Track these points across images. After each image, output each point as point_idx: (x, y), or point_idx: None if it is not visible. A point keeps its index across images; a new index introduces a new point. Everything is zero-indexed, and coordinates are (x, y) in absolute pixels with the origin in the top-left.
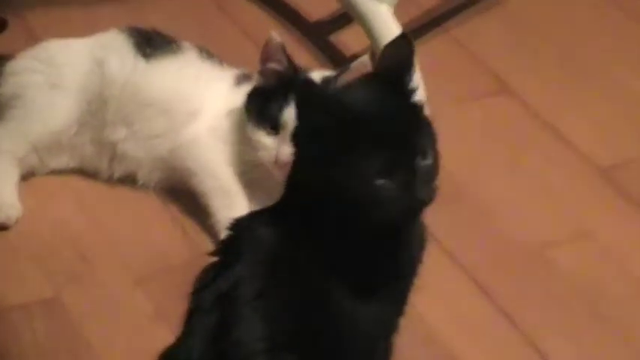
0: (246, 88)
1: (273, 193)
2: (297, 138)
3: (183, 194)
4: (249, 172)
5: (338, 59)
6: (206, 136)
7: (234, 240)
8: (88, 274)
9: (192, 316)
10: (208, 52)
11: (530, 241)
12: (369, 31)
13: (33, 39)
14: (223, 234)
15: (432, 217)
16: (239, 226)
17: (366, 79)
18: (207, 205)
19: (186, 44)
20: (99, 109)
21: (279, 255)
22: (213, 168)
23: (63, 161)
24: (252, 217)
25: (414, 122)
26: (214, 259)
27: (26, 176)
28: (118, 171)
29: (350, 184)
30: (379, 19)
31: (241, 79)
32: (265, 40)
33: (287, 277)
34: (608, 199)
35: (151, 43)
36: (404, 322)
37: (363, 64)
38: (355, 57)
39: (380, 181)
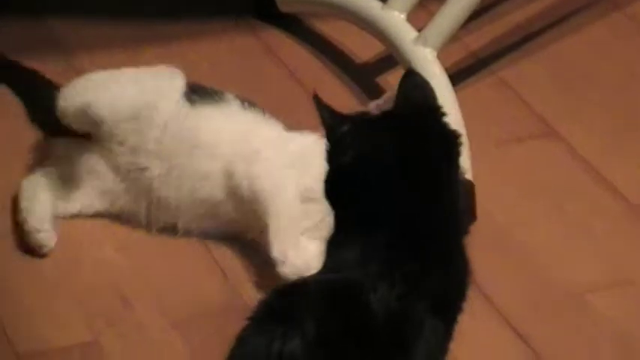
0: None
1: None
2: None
3: (224, 238)
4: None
5: None
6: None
7: (289, 305)
8: (127, 317)
9: None
10: (251, 103)
11: (571, 286)
12: None
13: None
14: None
15: (474, 264)
16: (296, 291)
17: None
18: (268, 224)
19: (229, 95)
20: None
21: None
22: (283, 188)
23: (105, 204)
24: (308, 283)
25: None
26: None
27: (70, 217)
28: (157, 220)
29: None
30: (423, 63)
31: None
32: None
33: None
34: None
35: (195, 91)
36: None
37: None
38: None
39: None
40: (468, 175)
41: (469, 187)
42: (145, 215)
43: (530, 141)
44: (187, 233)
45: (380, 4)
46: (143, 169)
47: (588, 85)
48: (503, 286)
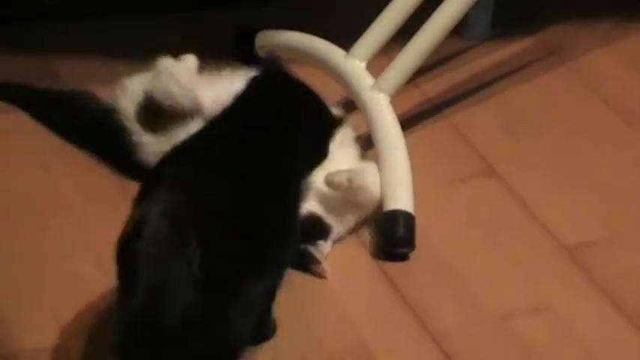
0: None
1: None
2: None
3: None
4: None
5: None
6: None
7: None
8: (99, 326)
9: None
10: None
11: (498, 311)
12: (366, 118)
13: None
14: None
15: (412, 288)
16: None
17: None
18: None
19: None
20: None
21: None
22: None
23: None
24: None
25: None
26: None
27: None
28: None
29: None
30: (377, 107)
31: None
32: None
33: None
34: (570, 275)
35: None
36: None
37: None
38: (361, 138)
39: None
40: (410, 208)
41: (409, 218)
42: None
43: (473, 180)
44: None
45: (343, 52)
46: None
47: (533, 132)
48: (437, 308)
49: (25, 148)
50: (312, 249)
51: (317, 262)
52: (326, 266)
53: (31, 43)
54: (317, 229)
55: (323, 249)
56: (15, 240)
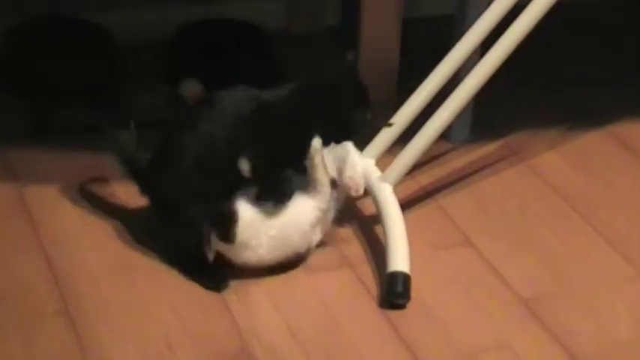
0: None
1: None
2: None
3: (236, 285)
4: None
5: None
6: None
7: None
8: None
9: None
10: None
11: (469, 347)
12: (375, 202)
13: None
14: None
15: (406, 328)
16: None
17: None
18: None
19: None
20: None
21: None
22: None
23: None
24: None
25: None
26: None
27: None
28: None
29: None
30: (383, 194)
31: None
32: None
33: None
34: (526, 321)
35: None
36: None
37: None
38: (370, 217)
39: None
40: (407, 270)
41: (406, 277)
42: None
43: (454, 248)
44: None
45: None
46: None
47: (498, 212)
48: (424, 343)
49: None
50: (212, 236)
51: (209, 249)
52: (211, 256)
53: None
54: (226, 227)
55: (215, 244)
56: None
